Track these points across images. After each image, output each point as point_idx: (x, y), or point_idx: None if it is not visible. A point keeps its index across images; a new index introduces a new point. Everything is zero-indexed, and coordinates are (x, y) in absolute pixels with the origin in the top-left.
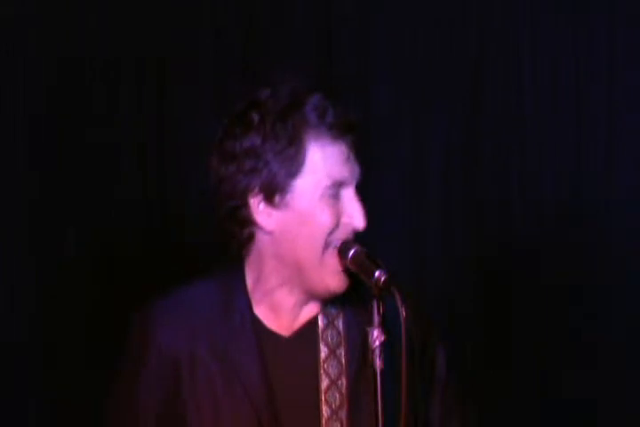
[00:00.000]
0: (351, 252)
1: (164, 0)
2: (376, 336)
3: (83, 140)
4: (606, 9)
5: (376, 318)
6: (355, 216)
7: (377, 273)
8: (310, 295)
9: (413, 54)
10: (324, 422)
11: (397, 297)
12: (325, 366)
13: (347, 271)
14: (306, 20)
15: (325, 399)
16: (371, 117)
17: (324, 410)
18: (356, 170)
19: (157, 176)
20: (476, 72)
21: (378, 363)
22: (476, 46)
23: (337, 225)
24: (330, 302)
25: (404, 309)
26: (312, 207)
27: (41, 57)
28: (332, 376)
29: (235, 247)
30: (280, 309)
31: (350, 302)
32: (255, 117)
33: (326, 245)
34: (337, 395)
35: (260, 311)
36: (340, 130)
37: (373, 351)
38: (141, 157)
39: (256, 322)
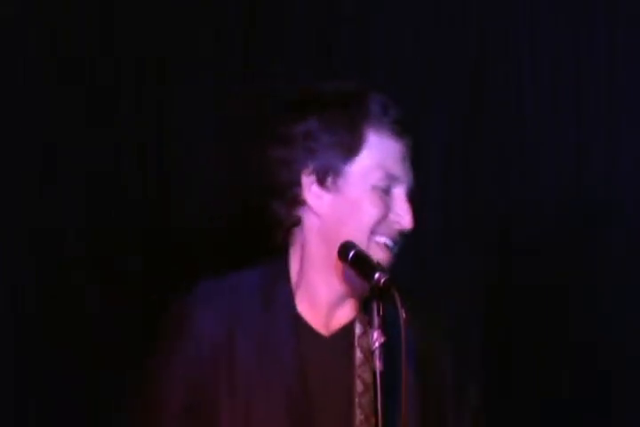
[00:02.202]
0: (351, 253)
1: (163, 0)
2: (376, 338)
3: (83, 140)
4: (606, 9)
5: (376, 320)
6: (403, 215)
7: (377, 275)
8: (348, 291)
9: (413, 54)
10: (357, 425)
11: (397, 299)
12: (360, 371)
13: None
14: (306, 20)
15: (359, 404)
16: None
17: (358, 414)
18: (411, 173)
19: (157, 176)
20: (476, 72)
21: (378, 364)
22: (476, 46)
23: (384, 219)
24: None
25: (403, 310)
26: (362, 196)
27: (41, 57)
28: (367, 382)
29: (279, 236)
30: (318, 304)
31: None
32: (315, 104)
33: (371, 235)
34: (368, 401)
35: (302, 306)
36: (402, 128)
37: (373, 353)
38: (141, 157)
39: (297, 317)
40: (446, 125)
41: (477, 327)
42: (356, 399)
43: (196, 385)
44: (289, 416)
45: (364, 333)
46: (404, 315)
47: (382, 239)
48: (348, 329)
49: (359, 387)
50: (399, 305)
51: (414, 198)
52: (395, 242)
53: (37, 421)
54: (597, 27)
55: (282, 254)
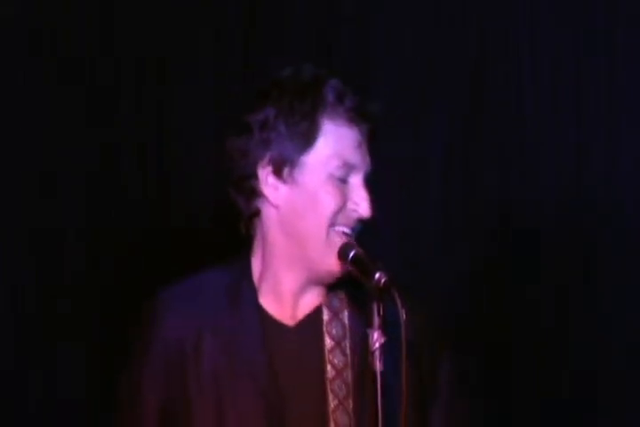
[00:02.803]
0: (351, 253)
1: (164, 0)
2: (376, 338)
3: (83, 140)
4: (606, 9)
5: (376, 320)
6: (360, 203)
7: (377, 275)
8: (312, 279)
9: (413, 54)
10: (330, 411)
11: (397, 299)
12: (330, 357)
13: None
14: (306, 20)
15: (332, 389)
16: None
17: (331, 400)
18: (367, 160)
19: (157, 176)
20: (476, 72)
21: (378, 365)
22: (476, 46)
23: (342, 209)
24: (334, 294)
25: (403, 311)
26: (318, 186)
27: (41, 57)
28: (338, 367)
29: (242, 227)
30: (283, 295)
31: (354, 296)
32: (274, 92)
33: (330, 226)
34: (343, 386)
35: (265, 301)
36: (357, 115)
37: (373, 353)
38: (141, 157)
39: (261, 311)
40: (446, 125)
41: (477, 327)
42: (328, 385)
43: (170, 387)
44: (262, 411)
45: (332, 318)
46: (404, 315)
47: (341, 228)
48: (314, 317)
49: (330, 373)
50: (399, 305)
51: (413, 198)
52: (353, 230)
53: (37, 421)
54: (597, 27)
55: (246, 251)
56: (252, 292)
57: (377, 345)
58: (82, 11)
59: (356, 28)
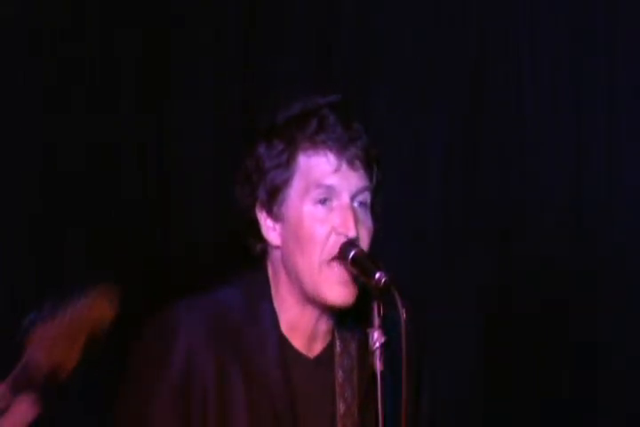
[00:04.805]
0: (351, 253)
1: (164, 0)
2: (376, 338)
3: (83, 140)
4: (606, 9)
5: (376, 320)
6: (343, 225)
7: (377, 274)
8: (323, 311)
9: (413, 54)
10: None
11: (397, 299)
12: (341, 390)
13: (351, 282)
14: (306, 20)
15: (343, 424)
16: (371, 118)
17: None
18: (353, 182)
19: (157, 176)
20: (476, 72)
21: (378, 365)
22: (476, 46)
23: (330, 235)
24: (345, 325)
25: (404, 310)
26: (302, 217)
27: (41, 57)
28: (348, 401)
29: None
30: (299, 328)
31: (363, 321)
32: (264, 130)
33: (322, 257)
34: (350, 421)
35: (285, 327)
36: (338, 143)
37: (373, 353)
38: (141, 157)
39: (283, 338)
40: (446, 125)
41: (477, 327)
42: (339, 420)
43: (187, 413)
44: None
45: (344, 351)
46: (404, 315)
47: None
48: (329, 349)
49: (342, 409)
50: (400, 305)
51: (413, 198)
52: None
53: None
54: (597, 27)
55: (262, 273)
56: (274, 316)
57: (377, 345)
58: (82, 11)
59: (356, 28)
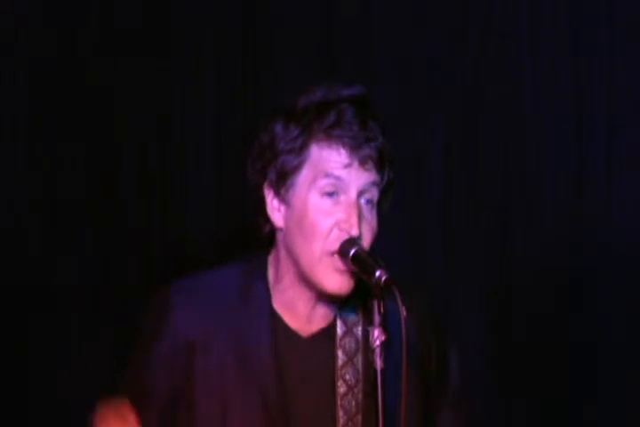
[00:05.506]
0: (352, 251)
1: (164, 0)
2: (377, 336)
3: (83, 140)
4: (606, 9)
5: (377, 318)
6: (346, 221)
7: (378, 272)
8: (320, 296)
9: (414, 54)
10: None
11: (398, 297)
12: (342, 372)
13: (350, 273)
14: (306, 20)
15: (342, 405)
16: None
17: (341, 415)
18: (363, 178)
19: (157, 176)
20: (476, 72)
21: (378, 362)
22: (476, 46)
23: (333, 229)
24: (350, 307)
25: (404, 308)
26: (307, 206)
27: (41, 57)
28: (350, 383)
29: (263, 240)
30: (295, 308)
31: (371, 309)
32: (284, 110)
33: (323, 247)
34: (353, 402)
35: (279, 307)
36: (353, 142)
37: (374, 351)
38: (141, 157)
39: (275, 316)
40: (446, 125)
41: (477, 327)
42: (339, 401)
43: (176, 385)
44: (267, 415)
45: (346, 332)
46: (404, 313)
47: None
48: (328, 330)
49: (342, 388)
50: (400, 303)
51: (413, 198)
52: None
53: (37, 421)
54: (597, 27)
55: (263, 254)
56: (267, 294)
57: (377, 343)
58: (82, 11)
59: (356, 28)
